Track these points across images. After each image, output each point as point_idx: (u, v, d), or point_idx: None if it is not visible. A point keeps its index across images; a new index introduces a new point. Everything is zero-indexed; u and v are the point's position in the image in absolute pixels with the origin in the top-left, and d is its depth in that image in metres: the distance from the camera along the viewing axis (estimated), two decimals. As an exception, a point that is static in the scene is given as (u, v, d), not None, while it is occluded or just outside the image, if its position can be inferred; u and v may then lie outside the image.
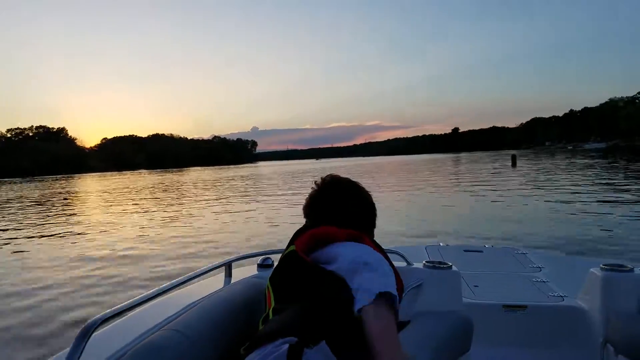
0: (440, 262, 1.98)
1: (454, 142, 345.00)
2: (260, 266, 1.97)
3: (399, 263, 1.86)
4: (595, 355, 1.99)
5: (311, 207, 1.48)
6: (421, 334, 1.52)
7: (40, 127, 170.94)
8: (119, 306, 1.15)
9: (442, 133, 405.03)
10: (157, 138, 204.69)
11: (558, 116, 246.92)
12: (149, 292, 1.29)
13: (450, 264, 1.97)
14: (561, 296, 2.35)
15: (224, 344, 1.29)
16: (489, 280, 2.65)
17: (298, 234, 1.38)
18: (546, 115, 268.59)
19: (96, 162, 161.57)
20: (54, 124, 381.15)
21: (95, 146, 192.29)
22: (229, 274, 1.86)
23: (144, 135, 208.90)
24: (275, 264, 1.68)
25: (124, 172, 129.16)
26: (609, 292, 1.96)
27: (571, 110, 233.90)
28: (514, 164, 36.85)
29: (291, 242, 1.36)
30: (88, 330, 1.02)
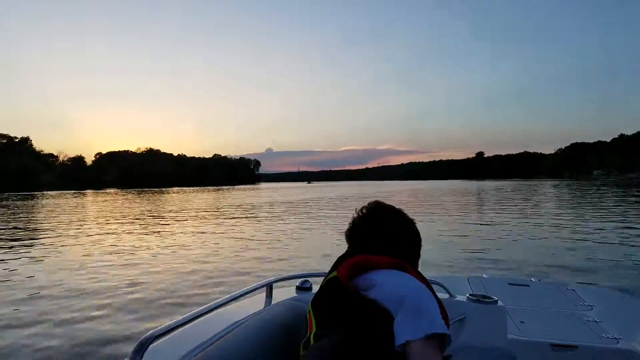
0: (484, 296, 1.92)
1: (478, 168, 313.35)
2: (299, 288, 2.01)
3: (440, 295, 1.84)
4: None
5: (354, 234, 1.45)
6: None
7: (1, 135, 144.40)
8: (168, 324, 1.24)
9: (465, 158, 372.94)
10: (133, 155, 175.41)
11: (605, 142, 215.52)
12: (195, 310, 1.37)
13: (496, 298, 1.92)
14: (616, 338, 2.16)
15: None
16: (536, 317, 2.47)
17: (340, 260, 1.37)
18: (589, 140, 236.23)
19: (51, 179, 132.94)
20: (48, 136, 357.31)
21: (66, 160, 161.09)
22: (269, 295, 1.90)
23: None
24: (314, 287, 1.92)
25: (86, 191, 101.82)
26: None
27: (622, 135, 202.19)
28: None
29: (334, 268, 1.36)
30: (143, 345, 1.11)
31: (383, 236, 1.39)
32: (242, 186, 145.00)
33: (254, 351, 1.31)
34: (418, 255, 1.47)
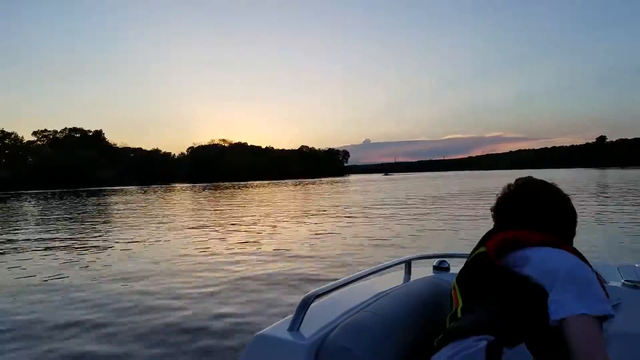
0: None
1: (599, 154, 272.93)
2: (436, 268, 2.04)
3: None
4: None
5: (502, 209, 1.40)
6: (618, 358, 1.37)
7: (74, 129, 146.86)
8: (325, 286, 1.39)
9: (584, 143, 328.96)
10: (210, 148, 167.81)
11: None
12: (344, 278, 1.52)
13: None
14: None
15: (413, 333, 1.39)
16: None
17: (487, 236, 1.34)
18: None
19: (114, 173, 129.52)
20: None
21: (144, 154, 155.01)
22: (408, 272, 1.97)
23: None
24: (452, 268, 1.99)
25: (149, 187, 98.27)
26: None
27: None
28: None
29: (481, 244, 1.33)
30: (307, 302, 1.27)
31: (535, 212, 1.31)
32: (326, 179, 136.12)
33: (398, 321, 1.36)
34: (573, 234, 1.36)
